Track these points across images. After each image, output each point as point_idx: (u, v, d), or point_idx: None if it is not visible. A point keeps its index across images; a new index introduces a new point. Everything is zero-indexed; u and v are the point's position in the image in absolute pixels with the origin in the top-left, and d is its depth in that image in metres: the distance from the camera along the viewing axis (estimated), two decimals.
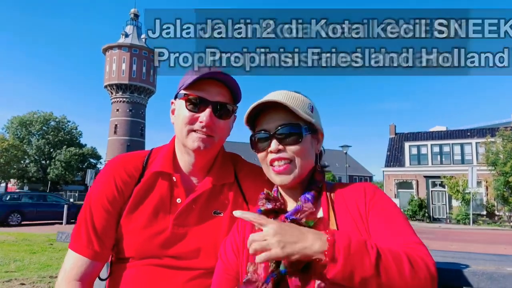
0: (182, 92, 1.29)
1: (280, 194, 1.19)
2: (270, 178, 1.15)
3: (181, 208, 1.28)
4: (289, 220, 1.04)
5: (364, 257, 0.85)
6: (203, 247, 1.27)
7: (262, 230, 0.95)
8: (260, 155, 1.16)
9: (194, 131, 1.27)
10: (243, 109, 1.42)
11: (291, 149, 1.10)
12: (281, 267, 0.96)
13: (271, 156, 1.11)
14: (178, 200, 1.30)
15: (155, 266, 1.25)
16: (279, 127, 1.11)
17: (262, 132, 1.14)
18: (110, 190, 1.29)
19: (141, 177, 1.33)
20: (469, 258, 1.73)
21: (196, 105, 1.26)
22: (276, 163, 1.11)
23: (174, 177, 1.31)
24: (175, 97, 1.35)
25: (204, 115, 1.25)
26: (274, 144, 1.10)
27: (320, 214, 1.10)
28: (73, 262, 1.25)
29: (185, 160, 1.35)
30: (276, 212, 1.11)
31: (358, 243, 0.87)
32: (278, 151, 1.10)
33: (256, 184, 1.31)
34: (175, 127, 1.33)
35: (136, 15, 71.66)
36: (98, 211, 1.28)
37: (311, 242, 0.87)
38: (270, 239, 0.88)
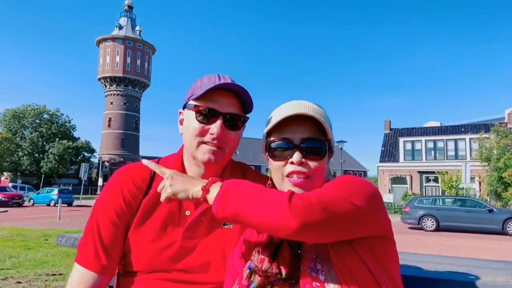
0: (192, 103, 1.25)
1: None
2: (282, 189, 1.12)
3: (190, 221, 1.25)
4: None
5: (229, 197, 0.96)
6: (212, 261, 1.24)
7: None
8: (277, 164, 1.12)
9: (205, 143, 1.24)
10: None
11: (312, 164, 1.08)
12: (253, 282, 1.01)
13: (291, 168, 1.08)
14: (187, 213, 1.27)
15: (163, 280, 1.22)
16: (306, 140, 1.09)
17: (285, 141, 1.10)
18: (118, 203, 1.26)
19: (149, 189, 1.29)
20: (476, 267, 1.73)
21: (207, 116, 1.23)
22: (294, 175, 1.08)
23: None
24: (184, 107, 1.31)
25: (215, 127, 1.21)
26: (297, 156, 1.07)
27: None
28: (80, 277, 1.22)
29: (194, 172, 1.32)
30: None
31: (227, 187, 0.98)
32: (300, 164, 1.07)
33: None
34: (184, 138, 1.30)
35: (130, 7, 71.00)
36: (105, 224, 1.24)
37: (193, 187, 1.04)
38: (165, 181, 1.08)
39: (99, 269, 1.22)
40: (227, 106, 1.25)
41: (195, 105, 1.24)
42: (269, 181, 1.18)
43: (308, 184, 1.08)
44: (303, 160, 1.08)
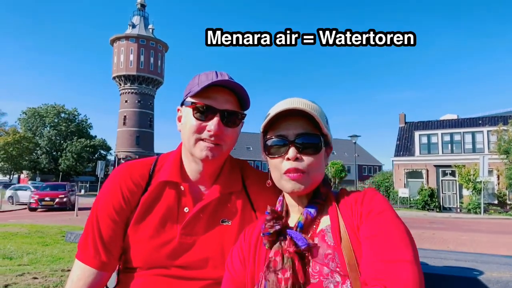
0: (189, 100, 1.26)
1: (285, 202, 1.16)
2: (280, 185, 1.11)
3: (189, 217, 1.26)
4: (292, 238, 1.03)
5: None
6: (210, 257, 1.25)
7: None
8: (274, 161, 1.11)
9: (202, 140, 1.24)
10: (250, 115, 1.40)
11: (308, 159, 1.07)
12: None
13: (287, 164, 1.07)
14: (186, 209, 1.28)
15: (162, 277, 1.24)
16: (300, 136, 1.08)
17: (280, 137, 1.10)
18: (117, 200, 1.28)
19: (148, 186, 1.31)
20: (482, 262, 1.70)
21: (204, 113, 1.23)
22: (291, 172, 1.07)
23: (182, 186, 1.29)
24: (182, 104, 1.32)
25: (212, 124, 1.22)
26: (292, 152, 1.06)
27: (325, 223, 1.08)
28: (80, 273, 1.25)
29: (192, 169, 1.33)
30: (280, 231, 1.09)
31: None
32: (296, 159, 1.07)
33: (264, 192, 1.28)
34: (182, 135, 1.31)
35: (143, 6, 71.41)
36: (104, 221, 1.26)
37: None
38: None
39: (99, 265, 1.24)
40: (224, 103, 1.25)
41: (193, 102, 1.24)
42: (269, 181, 1.17)
43: (305, 179, 1.07)
44: (299, 155, 1.07)
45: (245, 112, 1.32)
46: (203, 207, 1.28)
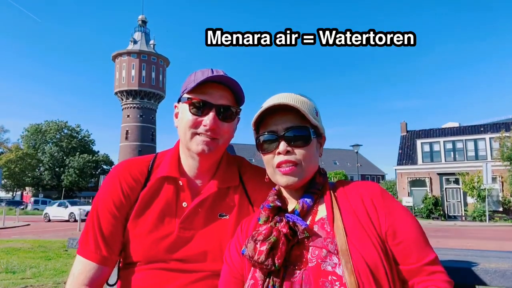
0: (185, 95, 1.29)
1: (281, 192, 1.19)
2: (275, 180, 1.14)
3: (187, 212, 1.29)
4: (291, 222, 1.05)
5: None
6: (209, 250, 1.27)
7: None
8: (267, 157, 1.14)
9: (198, 134, 1.27)
10: (245, 111, 1.43)
11: (299, 152, 1.10)
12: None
13: (279, 158, 1.10)
14: (184, 204, 1.30)
15: (162, 270, 1.25)
16: (288, 129, 1.11)
17: (270, 133, 1.13)
18: (117, 195, 1.30)
19: (147, 182, 1.33)
20: (482, 256, 1.70)
21: (200, 108, 1.26)
22: (283, 165, 1.10)
23: (180, 181, 1.32)
24: (179, 101, 1.35)
25: (208, 119, 1.25)
26: (282, 146, 1.09)
27: (323, 212, 1.10)
28: (81, 268, 1.26)
29: (189, 164, 1.35)
30: (280, 209, 1.12)
31: None
32: (287, 152, 1.09)
33: (261, 186, 1.31)
34: (179, 130, 1.34)
35: (144, 22, 72.27)
36: (105, 216, 1.29)
37: None
38: None
39: (99, 260, 1.26)
40: (219, 98, 1.28)
41: (189, 98, 1.28)
42: (267, 177, 1.19)
43: (298, 171, 1.10)
44: (289, 149, 1.10)
45: (240, 107, 1.35)
46: (201, 201, 1.30)
